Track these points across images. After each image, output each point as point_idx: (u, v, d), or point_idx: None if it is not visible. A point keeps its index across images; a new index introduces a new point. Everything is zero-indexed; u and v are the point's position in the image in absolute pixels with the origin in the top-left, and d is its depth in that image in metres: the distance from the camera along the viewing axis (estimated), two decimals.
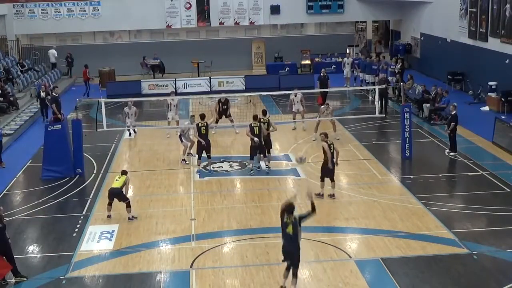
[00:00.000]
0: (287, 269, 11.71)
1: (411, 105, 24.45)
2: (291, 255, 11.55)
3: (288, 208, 11.58)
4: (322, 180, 16.74)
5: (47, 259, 13.67)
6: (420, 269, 12.85)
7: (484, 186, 17.77)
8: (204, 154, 19.64)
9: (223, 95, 24.26)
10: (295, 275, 11.58)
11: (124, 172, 16.28)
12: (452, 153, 20.29)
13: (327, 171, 16.66)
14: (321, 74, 28.53)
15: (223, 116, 24.15)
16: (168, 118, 23.43)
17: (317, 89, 28.30)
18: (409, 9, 38.97)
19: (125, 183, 15.94)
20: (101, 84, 34.91)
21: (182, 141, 20.90)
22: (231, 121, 24.15)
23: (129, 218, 15.83)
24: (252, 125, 19.00)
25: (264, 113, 19.78)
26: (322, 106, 23.62)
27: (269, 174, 19.21)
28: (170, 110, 23.51)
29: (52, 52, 37.85)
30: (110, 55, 38.11)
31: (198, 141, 19.53)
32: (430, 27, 35.71)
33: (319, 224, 15.18)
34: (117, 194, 15.89)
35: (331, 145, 16.70)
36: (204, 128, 19.30)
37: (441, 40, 33.82)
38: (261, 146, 19.08)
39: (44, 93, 26.77)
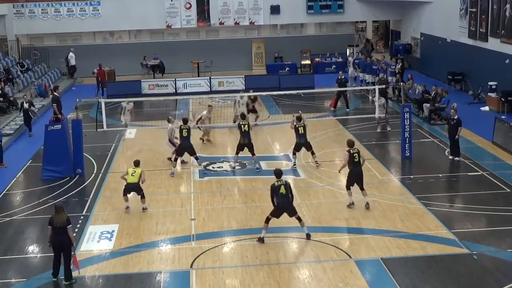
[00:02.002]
0: (267, 221, 14.14)
1: (411, 105, 24.48)
2: (287, 207, 14.07)
3: (277, 173, 14.24)
4: (348, 188, 16.33)
5: (47, 259, 13.60)
6: (420, 269, 12.85)
7: (484, 186, 17.78)
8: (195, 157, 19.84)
9: (252, 92, 25.20)
10: (300, 220, 14.22)
11: (137, 163, 16.58)
12: (457, 158, 19.87)
13: (352, 179, 16.26)
14: (339, 77, 28.60)
15: (250, 113, 24.82)
16: (121, 121, 22.84)
17: (333, 88, 28.61)
18: (409, 9, 38.99)
19: (141, 176, 16.32)
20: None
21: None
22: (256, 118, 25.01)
23: (143, 209, 16.29)
24: (297, 126, 19.41)
25: (243, 116, 19.99)
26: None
27: (271, 174, 19.19)
28: (123, 114, 23.17)
29: (71, 55, 37.51)
30: (110, 55, 38.08)
31: (180, 143, 19.63)
32: (430, 27, 35.72)
33: (319, 224, 15.19)
34: (135, 188, 16.33)
35: (355, 154, 16.16)
36: (186, 131, 19.37)
37: (441, 40, 33.83)
38: (306, 144, 19.52)
39: (27, 104, 25.05)
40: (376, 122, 24.05)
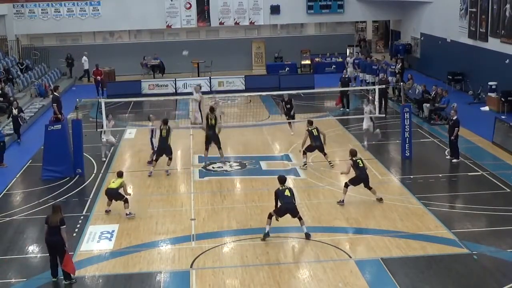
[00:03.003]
0: (270, 217, 14.38)
1: (411, 105, 24.46)
2: (291, 209, 14.34)
3: (281, 179, 14.63)
4: (346, 186, 16.49)
5: (47, 259, 13.53)
6: (420, 269, 12.85)
7: (484, 186, 17.78)
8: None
9: (286, 94, 23.96)
10: (300, 219, 14.42)
11: (120, 174, 16.46)
12: (454, 160, 19.78)
13: (358, 182, 16.49)
14: (343, 76, 28.59)
15: (288, 117, 23.99)
16: (103, 139, 21.54)
17: (337, 88, 28.39)
18: (409, 9, 38.99)
19: (122, 186, 16.12)
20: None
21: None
22: (291, 121, 23.86)
23: (126, 214, 15.92)
24: (310, 129, 19.68)
25: (212, 110, 20.51)
26: None
27: (271, 174, 19.22)
28: (105, 133, 21.42)
29: (84, 59, 37.00)
30: (110, 55, 38.08)
31: (158, 144, 19.67)
32: (430, 27, 35.72)
33: (319, 224, 15.19)
34: (114, 194, 16.13)
35: (359, 160, 16.45)
36: (165, 131, 19.44)
37: (441, 40, 33.83)
38: (321, 146, 19.67)
39: (16, 109, 23.92)
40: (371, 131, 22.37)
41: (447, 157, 20.27)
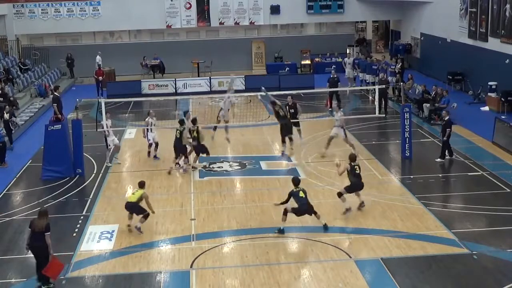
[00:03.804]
0: (285, 213, 14.65)
1: (411, 105, 24.47)
2: (307, 210, 14.61)
3: (295, 181, 14.80)
4: (340, 196, 15.84)
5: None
6: (420, 269, 12.85)
7: (484, 186, 17.77)
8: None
9: (289, 97, 22.01)
10: (316, 213, 14.78)
11: (141, 185, 15.24)
12: (440, 159, 19.82)
13: (352, 190, 15.97)
14: (331, 76, 28.46)
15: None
16: (109, 145, 20.88)
17: (325, 89, 28.24)
18: (409, 9, 39.00)
19: (142, 198, 15.02)
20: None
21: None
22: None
23: (136, 227, 15.01)
24: (276, 109, 20.55)
25: (194, 121, 19.85)
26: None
27: (271, 174, 19.22)
28: (108, 136, 20.78)
29: (98, 58, 36.33)
30: (110, 55, 38.06)
31: (174, 144, 19.79)
32: (430, 27, 35.73)
33: (319, 224, 15.17)
34: (133, 208, 15.09)
35: (356, 166, 15.84)
36: (179, 132, 19.54)
37: (441, 40, 33.83)
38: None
39: (7, 114, 23.14)
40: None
41: (446, 157, 20.27)
